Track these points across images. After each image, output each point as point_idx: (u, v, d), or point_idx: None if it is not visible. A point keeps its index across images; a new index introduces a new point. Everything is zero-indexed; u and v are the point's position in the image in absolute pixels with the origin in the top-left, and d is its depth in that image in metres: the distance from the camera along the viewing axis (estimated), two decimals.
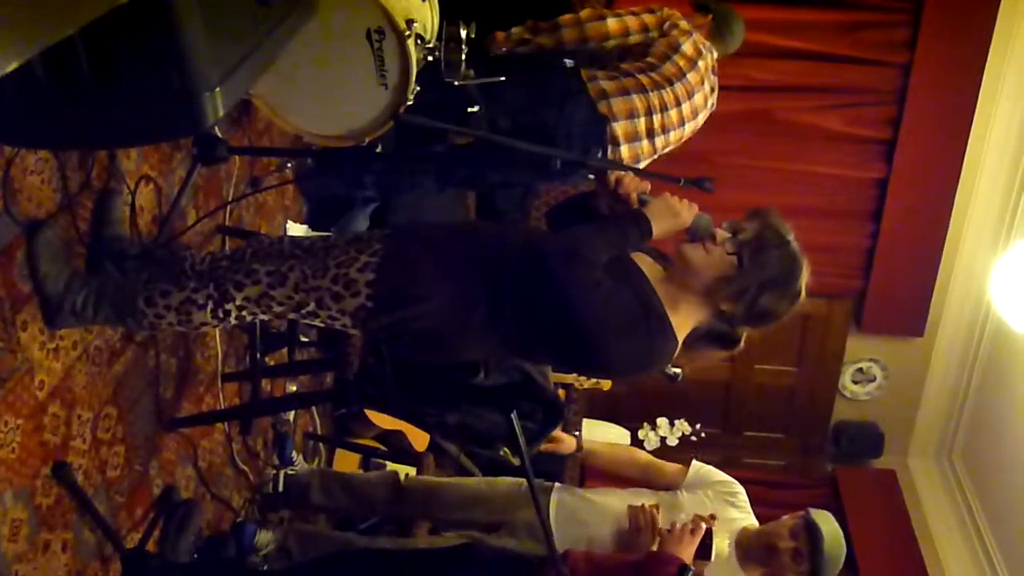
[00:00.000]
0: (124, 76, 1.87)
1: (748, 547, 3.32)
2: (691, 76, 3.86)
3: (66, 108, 1.94)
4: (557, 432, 3.64)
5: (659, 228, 2.39)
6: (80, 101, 1.91)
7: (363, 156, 3.64)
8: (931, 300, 5.90)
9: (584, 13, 3.88)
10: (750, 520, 3.44)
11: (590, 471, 5.51)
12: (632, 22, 3.88)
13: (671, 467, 3.62)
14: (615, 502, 3.48)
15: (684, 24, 3.91)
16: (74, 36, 1.66)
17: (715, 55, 4.02)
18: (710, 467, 3.59)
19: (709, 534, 3.01)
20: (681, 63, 3.84)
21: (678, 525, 2.98)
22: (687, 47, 3.86)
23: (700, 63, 3.89)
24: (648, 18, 3.90)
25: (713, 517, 3.13)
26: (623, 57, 3.94)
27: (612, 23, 3.85)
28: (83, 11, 1.41)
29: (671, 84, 3.82)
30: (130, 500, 2.90)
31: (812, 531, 3.20)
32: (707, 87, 3.97)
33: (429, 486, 3.83)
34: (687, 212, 2.41)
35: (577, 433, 3.92)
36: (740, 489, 3.51)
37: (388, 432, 4.50)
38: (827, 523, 3.24)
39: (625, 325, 2.28)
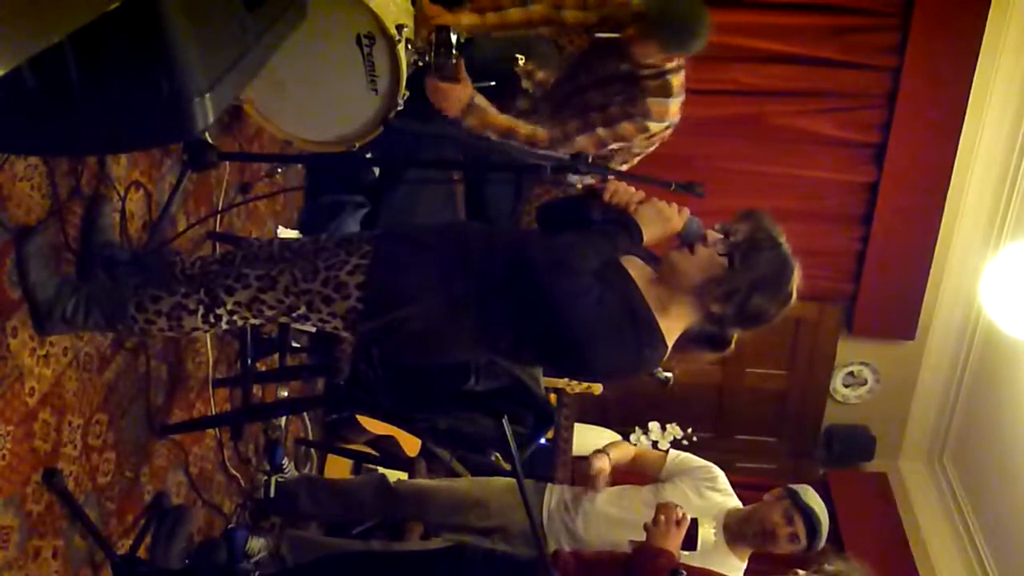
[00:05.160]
0: (113, 82, 1.87)
1: (739, 531, 3.41)
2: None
3: (55, 114, 1.93)
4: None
5: (650, 233, 2.40)
6: (69, 107, 1.91)
7: (353, 162, 3.64)
8: (922, 303, 5.90)
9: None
10: (733, 501, 3.55)
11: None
12: None
13: (654, 454, 3.79)
14: (604, 506, 3.51)
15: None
16: (63, 42, 1.66)
17: (681, 77, 3.53)
18: (687, 454, 3.71)
19: (694, 525, 3.02)
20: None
21: (662, 518, 3.00)
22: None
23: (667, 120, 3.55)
24: None
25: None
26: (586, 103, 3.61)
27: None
28: (71, 17, 1.41)
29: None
30: (121, 506, 2.90)
31: (806, 513, 3.33)
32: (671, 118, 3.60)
33: (421, 489, 3.83)
34: (678, 217, 2.42)
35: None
36: (719, 472, 3.61)
37: (380, 437, 4.50)
38: (814, 500, 3.38)
39: (612, 332, 2.29)
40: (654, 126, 3.49)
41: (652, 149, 3.70)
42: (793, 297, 2.40)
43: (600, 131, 3.51)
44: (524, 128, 3.48)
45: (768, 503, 3.42)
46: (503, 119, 3.47)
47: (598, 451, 3.65)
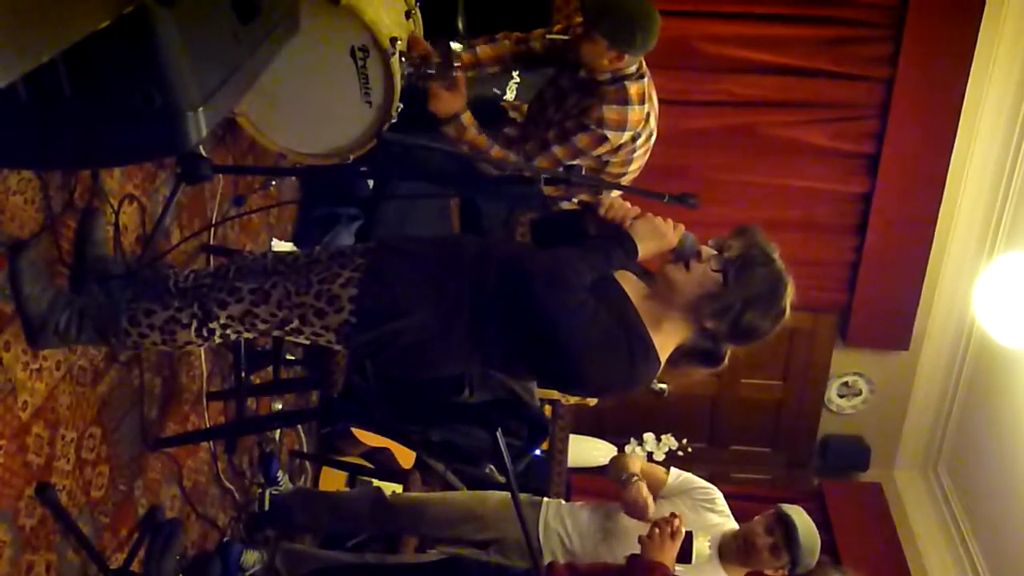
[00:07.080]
0: (106, 96, 1.87)
1: (727, 549, 3.41)
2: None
3: (48, 128, 1.94)
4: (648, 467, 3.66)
5: (645, 249, 2.40)
6: (62, 121, 1.91)
7: (347, 174, 3.64)
8: (916, 313, 5.90)
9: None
10: (730, 523, 3.54)
11: (576, 486, 5.53)
12: None
13: (658, 470, 3.70)
14: (601, 520, 3.51)
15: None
16: (56, 57, 1.66)
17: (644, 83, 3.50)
18: (688, 474, 3.67)
19: (689, 538, 3.03)
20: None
21: (656, 531, 2.99)
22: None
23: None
24: None
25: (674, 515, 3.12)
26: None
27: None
28: (65, 34, 1.41)
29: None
30: (115, 520, 2.89)
31: (786, 524, 3.30)
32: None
33: (418, 502, 3.83)
34: (673, 232, 2.42)
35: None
36: (718, 494, 3.59)
37: (374, 450, 4.50)
38: (799, 515, 3.34)
39: (606, 348, 2.29)
40: (613, 136, 3.45)
41: (639, 163, 3.69)
42: (787, 313, 2.41)
43: (555, 149, 3.50)
44: (497, 151, 3.50)
45: (755, 520, 3.42)
46: (480, 138, 3.50)
47: (627, 477, 3.49)
